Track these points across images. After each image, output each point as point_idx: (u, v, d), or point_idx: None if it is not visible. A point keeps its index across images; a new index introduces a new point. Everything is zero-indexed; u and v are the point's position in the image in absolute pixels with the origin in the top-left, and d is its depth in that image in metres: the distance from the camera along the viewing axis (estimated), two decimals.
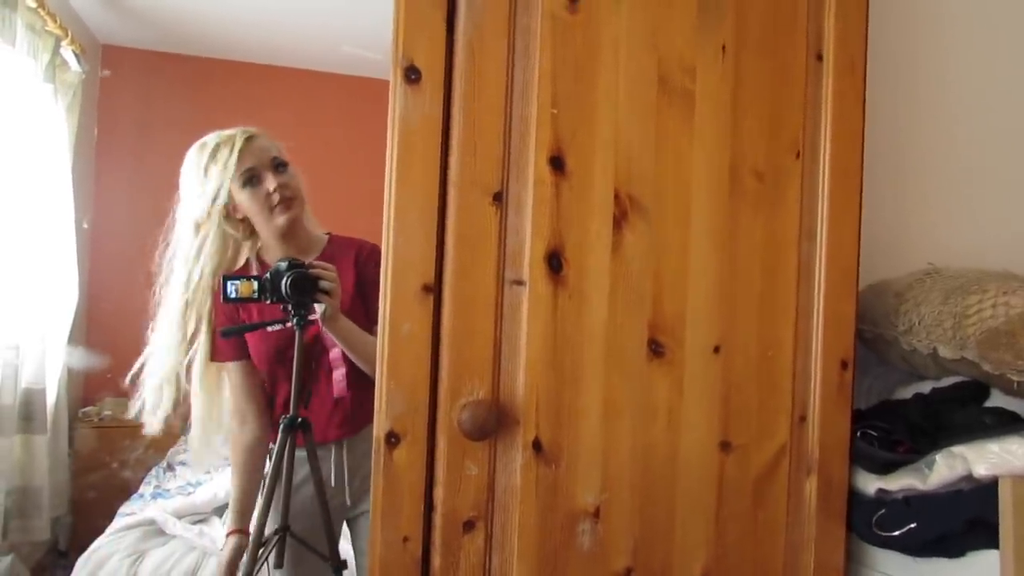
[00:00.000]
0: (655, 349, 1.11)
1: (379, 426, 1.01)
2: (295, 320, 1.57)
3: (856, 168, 1.19)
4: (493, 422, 1.02)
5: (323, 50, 3.93)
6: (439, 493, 1.03)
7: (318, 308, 1.58)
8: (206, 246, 1.67)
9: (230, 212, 1.66)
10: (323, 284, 1.56)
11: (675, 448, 1.12)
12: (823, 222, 1.18)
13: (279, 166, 1.68)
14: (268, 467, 1.73)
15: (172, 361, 1.69)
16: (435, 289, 1.03)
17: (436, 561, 1.03)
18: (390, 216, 1.01)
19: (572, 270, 1.07)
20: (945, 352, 1.24)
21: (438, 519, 1.03)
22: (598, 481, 1.09)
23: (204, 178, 1.65)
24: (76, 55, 3.19)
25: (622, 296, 1.09)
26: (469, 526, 1.04)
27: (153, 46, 3.99)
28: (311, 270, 1.57)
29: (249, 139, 1.67)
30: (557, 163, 1.06)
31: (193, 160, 1.68)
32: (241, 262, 1.74)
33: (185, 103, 4.06)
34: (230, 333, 1.66)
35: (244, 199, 1.66)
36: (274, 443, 1.66)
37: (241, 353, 1.71)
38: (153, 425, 1.73)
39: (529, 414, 1.06)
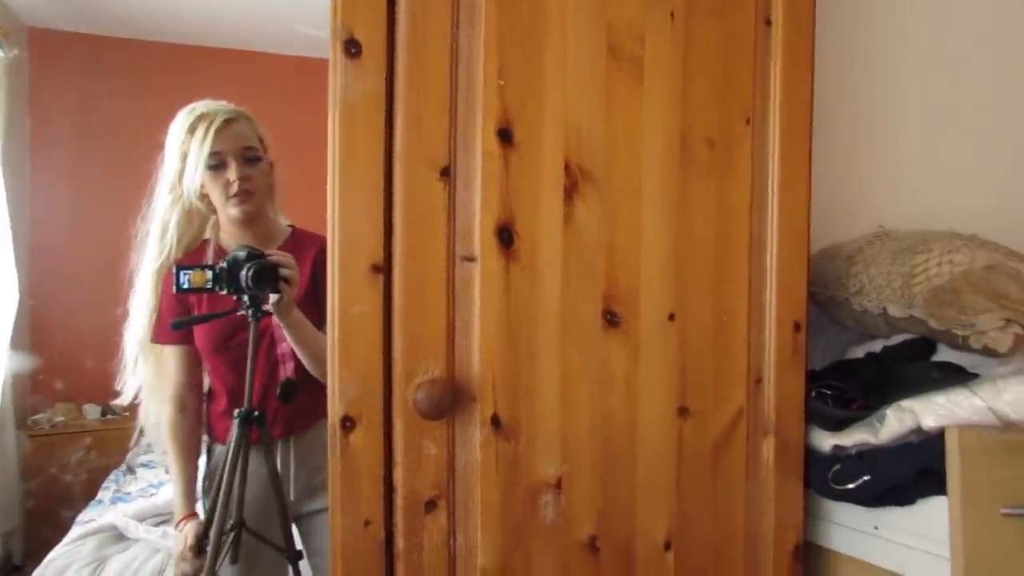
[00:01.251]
0: (610, 320, 1.11)
1: (333, 411, 0.99)
2: (250, 311, 1.54)
3: (806, 133, 1.20)
4: (449, 400, 1.01)
5: (275, 30, 3.82)
6: (398, 474, 1.02)
7: (272, 298, 1.55)
8: (174, 216, 1.67)
9: (199, 188, 1.65)
10: (283, 272, 1.54)
11: (634, 417, 1.13)
12: (774, 187, 1.19)
13: (249, 158, 1.66)
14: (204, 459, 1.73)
15: (145, 327, 1.69)
16: (385, 269, 1.01)
17: (399, 543, 1.03)
18: (335, 195, 0.99)
19: (524, 244, 1.06)
20: (894, 311, 1.26)
21: (399, 501, 1.02)
22: (558, 453, 1.09)
23: (179, 149, 1.64)
24: None
25: (575, 268, 1.09)
26: (431, 506, 1.03)
27: (88, 29, 3.83)
28: (270, 259, 1.54)
29: (228, 122, 1.64)
30: (505, 135, 1.04)
31: (177, 126, 1.67)
32: (212, 236, 1.73)
33: (126, 90, 3.93)
34: (181, 324, 1.62)
35: (207, 181, 1.64)
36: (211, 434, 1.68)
37: (184, 338, 1.67)
38: (128, 393, 1.73)
39: (486, 390, 1.05)
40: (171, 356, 1.70)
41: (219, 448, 1.71)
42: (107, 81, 3.92)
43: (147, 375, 1.72)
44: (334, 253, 0.99)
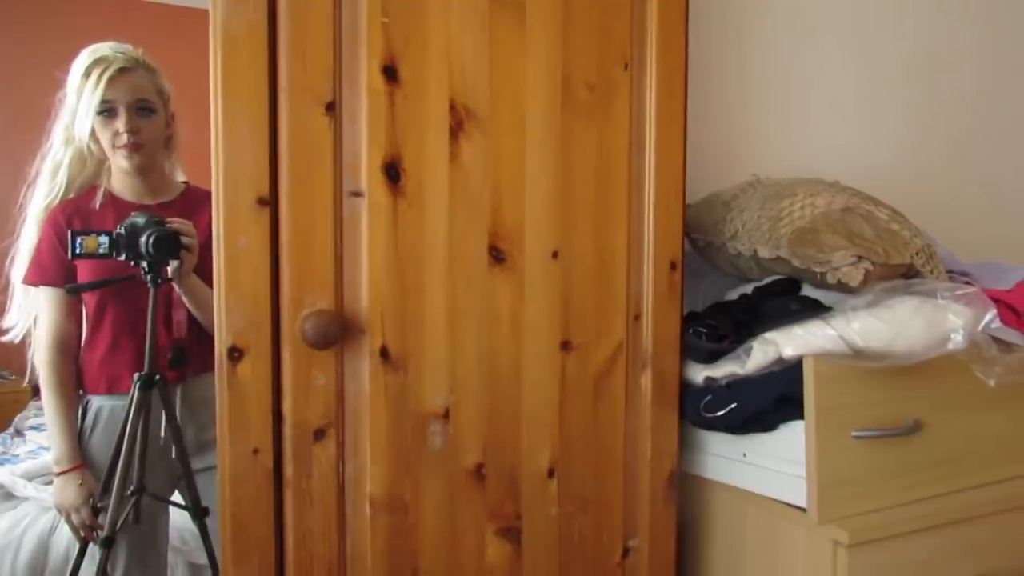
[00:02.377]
0: (496, 256, 1.15)
1: (220, 341, 1.01)
2: (149, 278, 1.53)
3: (681, 80, 1.26)
4: (337, 330, 1.04)
5: None
6: (287, 404, 1.04)
7: (172, 264, 1.54)
8: (67, 157, 1.65)
9: (91, 132, 1.62)
10: (184, 240, 1.54)
11: (519, 350, 1.18)
12: (652, 132, 1.25)
13: (142, 109, 1.64)
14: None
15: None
16: (271, 202, 1.02)
17: (288, 471, 1.05)
18: (217, 127, 0.99)
19: (411, 180, 1.09)
20: (763, 252, 1.36)
21: (288, 429, 1.04)
22: (446, 385, 1.13)
23: (76, 90, 1.62)
24: None
25: (462, 205, 1.12)
26: (320, 434, 1.06)
27: None
28: (171, 226, 1.52)
29: (124, 70, 1.62)
30: (390, 72, 1.06)
31: (76, 67, 1.63)
32: (104, 181, 1.70)
33: (6, 39, 3.70)
34: (77, 289, 1.60)
35: (97, 127, 1.62)
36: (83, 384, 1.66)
37: (61, 280, 1.64)
38: (18, 331, 1.71)
39: (374, 323, 1.08)
40: (47, 298, 1.65)
41: (95, 400, 1.68)
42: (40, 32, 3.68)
43: (32, 315, 1.68)
44: (218, 185, 0.99)
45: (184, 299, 1.62)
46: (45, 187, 1.66)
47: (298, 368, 1.04)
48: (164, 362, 1.64)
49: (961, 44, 1.99)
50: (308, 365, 1.05)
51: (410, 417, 1.11)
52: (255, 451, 1.03)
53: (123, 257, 1.51)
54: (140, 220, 1.53)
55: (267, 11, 1.00)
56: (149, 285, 1.53)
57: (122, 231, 1.51)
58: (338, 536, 1.08)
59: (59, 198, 1.66)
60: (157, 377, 1.57)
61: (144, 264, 1.53)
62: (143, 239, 1.50)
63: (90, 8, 3.85)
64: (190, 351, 1.67)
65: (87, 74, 1.60)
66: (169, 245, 1.51)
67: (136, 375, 1.56)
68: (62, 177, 1.66)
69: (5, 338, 1.71)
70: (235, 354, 1.01)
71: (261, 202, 1.01)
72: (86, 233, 1.51)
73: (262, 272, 1.02)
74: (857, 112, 1.84)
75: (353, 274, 1.07)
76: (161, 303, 1.63)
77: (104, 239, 1.51)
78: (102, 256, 1.52)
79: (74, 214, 1.64)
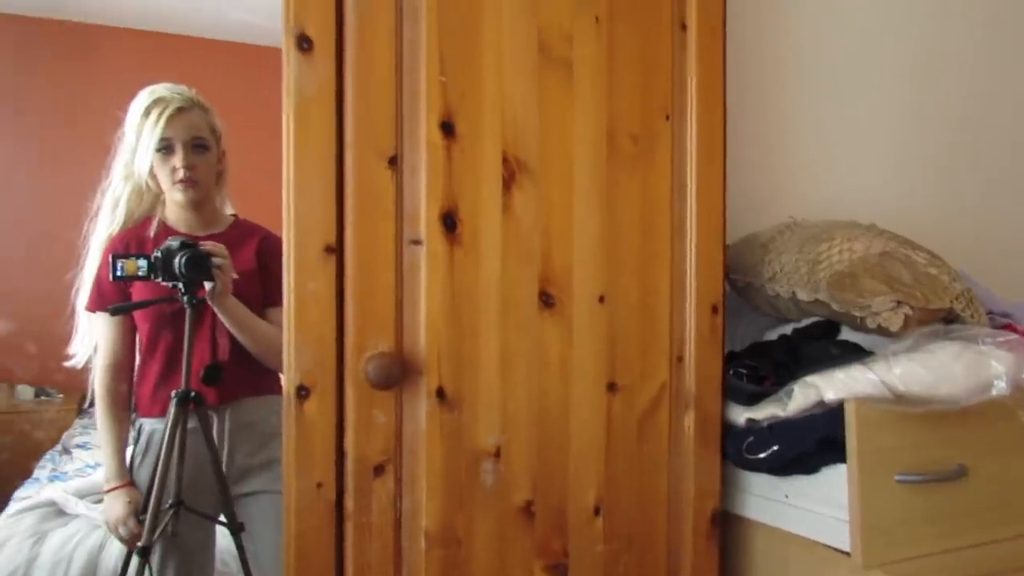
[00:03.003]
0: (546, 300, 1.20)
1: (289, 380, 1.07)
2: (185, 299, 1.60)
3: (720, 128, 1.31)
4: (398, 372, 1.09)
5: (210, 16, 3.82)
6: (349, 440, 1.10)
7: (207, 285, 1.61)
8: (126, 192, 1.75)
9: (150, 169, 1.72)
10: (216, 261, 1.61)
11: (567, 391, 1.23)
12: (693, 178, 1.30)
13: (198, 147, 1.73)
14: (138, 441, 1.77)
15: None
16: (337, 250, 1.09)
17: (349, 504, 1.10)
18: (290, 181, 1.06)
19: (466, 229, 1.15)
20: (802, 295, 1.39)
21: (350, 465, 1.10)
22: (498, 424, 1.18)
23: (135, 130, 1.72)
24: None
25: (513, 252, 1.18)
26: (379, 470, 1.11)
27: (24, 11, 3.77)
28: (203, 248, 1.59)
29: (181, 110, 1.72)
30: (448, 128, 1.13)
31: (136, 107, 1.74)
32: (159, 213, 1.79)
33: (56, 74, 3.87)
34: (119, 310, 1.68)
35: (155, 163, 1.72)
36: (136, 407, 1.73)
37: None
38: (81, 357, 1.79)
39: (431, 364, 1.13)
40: (104, 324, 1.74)
41: (147, 424, 1.75)
42: (43, 64, 3.85)
43: (94, 341, 1.77)
44: (290, 235, 1.06)
45: (222, 319, 1.68)
46: (106, 219, 1.76)
47: (360, 407, 1.10)
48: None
49: (998, 84, 2.02)
50: (370, 404, 1.10)
51: (464, 455, 1.16)
52: (319, 485, 1.08)
53: (160, 279, 1.60)
54: (175, 243, 1.61)
55: (335, 72, 1.07)
56: (185, 306, 1.60)
57: (159, 254, 1.60)
58: (394, 568, 1.13)
59: (119, 230, 1.76)
60: (193, 395, 1.63)
61: (180, 285, 1.60)
62: (177, 260, 1.58)
63: (137, 46, 4.01)
64: (232, 372, 1.73)
65: (147, 113, 1.71)
66: (200, 265, 1.59)
67: (173, 392, 1.63)
68: (121, 210, 1.76)
69: (69, 363, 1.80)
70: (302, 392, 1.07)
71: (328, 250, 1.08)
72: (126, 256, 1.60)
73: (328, 315, 1.08)
74: (892, 154, 1.87)
75: (412, 318, 1.13)
76: (207, 325, 1.71)
77: (143, 262, 1.59)
78: (141, 278, 1.61)
79: (131, 243, 1.74)
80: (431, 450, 1.14)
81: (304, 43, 1.06)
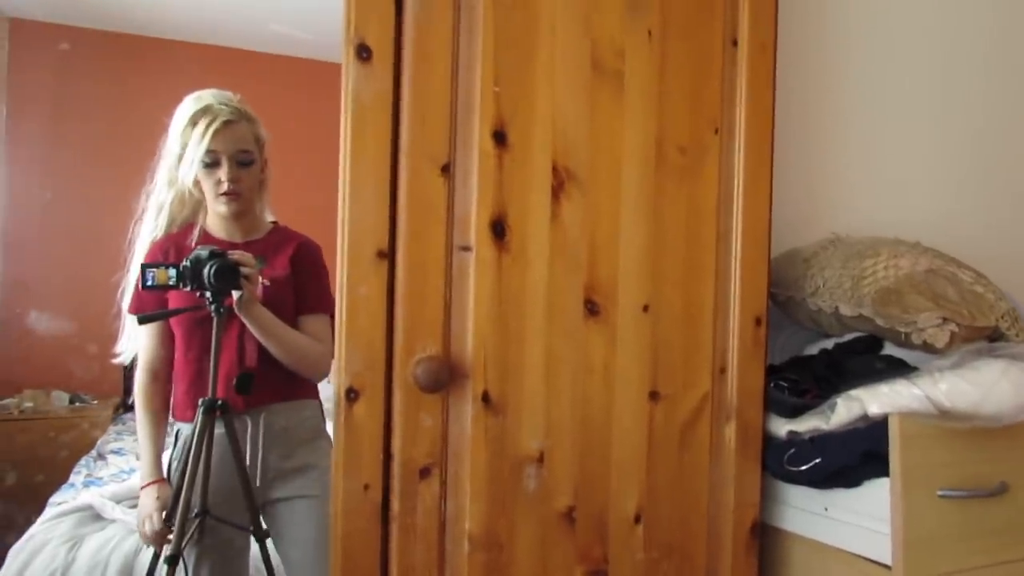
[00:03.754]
0: (591, 308, 1.22)
1: (339, 383, 1.08)
2: (214, 307, 1.63)
3: (767, 143, 1.32)
4: (446, 376, 1.11)
5: (251, 28, 3.89)
6: (396, 443, 1.11)
7: (235, 294, 1.64)
8: (170, 198, 1.77)
9: (194, 179, 1.74)
10: (244, 271, 1.63)
11: (610, 398, 1.23)
12: (739, 192, 1.31)
13: (242, 161, 1.75)
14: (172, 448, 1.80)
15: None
16: (389, 255, 1.11)
17: (395, 506, 1.12)
18: (345, 186, 1.08)
19: (515, 236, 1.16)
20: (845, 310, 1.39)
21: (396, 467, 1.11)
22: (541, 429, 1.19)
23: (180, 138, 1.73)
24: None
25: (560, 260, 1.19)
26: (425, 473, 1.13)
27: (68, 20, 3.86)
28: (231, 257, 1.62)
29: (227, 123, 1.73)
30: (500, 137, 1.15)
31: (182, 113, 1.75)
32: (200, 220, 1.82)
33: (104, 82, 3.96)
34: (147, 319, 1.71)
35: (200, 175, 1.73)
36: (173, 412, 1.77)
37: (159, 309, 1.75)
38: (127, 356, 1.83)
39: (478, 369, 1.15)
40: (143, 328, 1.77)
41: (183, 428, 1.78)
42: (86, 73, 3.95)
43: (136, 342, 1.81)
44: (343, 239, 1.08)
45: (250, 328, 1.69)
46: (150, 224, 1.79)
47: (408, 410, 1.12)
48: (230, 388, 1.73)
49: None
50: (417, 407, 1.12)
51: (507, 459, 1.17)
52: (366, 487, 1.10)
53: (189, 288, 1.62)
54: (203, 253, 1.63)
55: (392, 81, 1.10)
56: (213, 314, 1.63)
57: (187, 263, 1.62)
58: (438, 570, 1.14)
59: (162, 234, 1.79)
60: (220, 402, 1.65)
61: (208, 294, 1.63)
62: (205, 270, 1.60)
63: (181, 56, 4.09)
64: (263, 379, 1.74)
65: (193, 123, 1.72)
66: (229, 275, 1.61)
67: (200, 400, 1.65)
68: (164, 216, 1.79)
69: (116, 360, 1.85)
70: (351, 395, 1.09)
71: (380, 255, 1.10)
72: (156, 266, 1.63)
73: (379, 319, 1.10)
74: (937, 172, 1.87)
75: (460, 323, 1.15)
76: (235, 333, 1.73)
77: (172, 271, 1.62)
78: (171, 287, 1.64)
79: (170, 249, 1.77)
80: (475, 454, 1.15)
81: (364, 52, 1.08)
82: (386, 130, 1.10)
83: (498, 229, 1.15)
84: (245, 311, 1.66)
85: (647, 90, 1.24)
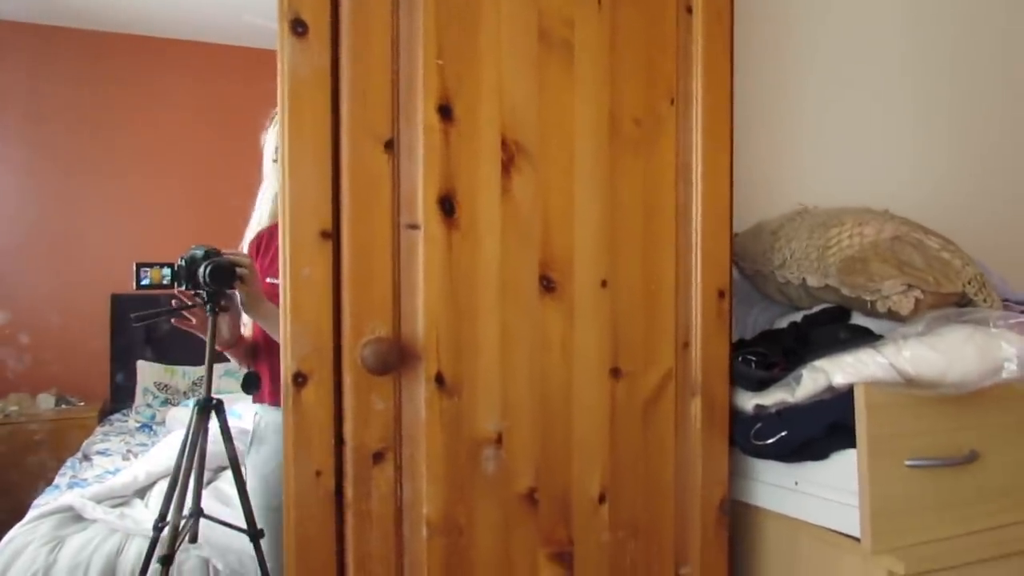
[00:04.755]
0: (546, 285, 1.19)
1: (286, 367, 1.06)
2: (208, 307, 1.61)
3: (726, 112, 1.29)
4: (395, 357, 1.08)
5: (223, 21, 3.85)
6: (348, 427, 1.09)
7: (238, 295, 1.63)
8: (269, 194, 1.83)
9: None
10: (239, 272, 1.62)
11: (569, 376, 1.21)
12: (698, 163, 1.28)
13: None
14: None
15: None
16: (333, 235, 1.08)
17: (349, 492, 1.09)
18: (285, 165, 1.05)
19: (464, 213, 1.14)
20: (812, 281, 1.37)
21: (348, 452, 1.09)
22: (499, 410, 1.17)
23: (267, 133, 1.80)
24: None
25: (513, 236, 1.17)
26: (379, 457, 1.10)
27: (39, 19, 3.82)
28: (226, 257, 1.60)
29: None
30: (445, 111, 1.12)
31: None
32: None
33: (78, 80, 3.92)
34: (142, 319, 1.69)
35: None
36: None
37: None
38: (247, 330, 1.87)
39: (430, 350, 1.12)
40: None
41: (259, 410, 1.80)
42: (59, 72, 3.91)
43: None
44: (285, 220, 1.05)
45: (261, 326, 1.70)
46: (254, 220, 1.86)
47: (358, 393, 1.09)
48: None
49: (1014, 71, 1.98)
50: (368, 390, 1.09)
51: (464, 441, 1.15)
52: (317, 473, 1.07)
53: (184, 287, 1.60)
54: (199, 252, 1.62)
55: (330, 56, 1.07)
56: (208, 314, 1.61)
57: (182, 263, 1.61)
58: (396, 557, 1.11)
59: (267, 224, 1.83)
60: (214, 401, 1.64)
61: (203, 293, 1.61)
62: (201, 270, 1.59)
63: (151, 51, 4.04)
64: (271, 377, 1.75)
65: (274, 118, 1.74)
66: (223, 275, 1.59)
67: (193, 400, 1.63)
68: (264, 209, 1.85)
69: (245, 332, 1.84)
70: (299, 380, 1.06)
71: (324, 235, 1.07)
72: (150, 265, 1.61)
73: (325, 301, 1.07)
74: (904, 141, 1.84)
75: (410, 303, 1.12)
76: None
77: (167, 271, 1.60)
78: (165, 287, 1.62)
79: (260, 240, 1.81)
80: (431, 437, 1.12)
81: (299, 27, 1.05)
82: (325, 107, 1.07)
83: (447, 206, 1.13)
84: (251, 310, 1.66)
85: (598, 60, 1.21)
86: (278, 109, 1.05)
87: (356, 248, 1.09)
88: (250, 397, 1.78)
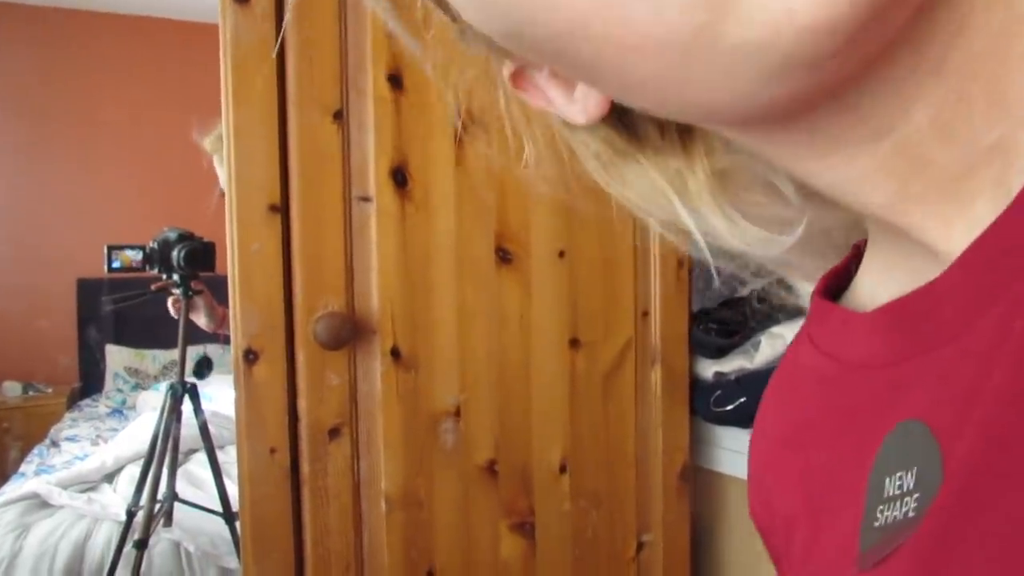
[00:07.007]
0: (503, 257, 1.18)
1: (236, 344, 1.04)
2: (181, 290, 1.58)
3: None
4: (348, 332, 1.07)
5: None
6: (302, 404, 1.08)
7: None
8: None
9: None
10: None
11: (528, 348, 1.20)
12: None
13: None
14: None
15: None
16: (282, 209, 1.06)
17: (305, 469, 1.08)
18: (230, 137, 1.03)
19: (417, 184, 1.12)
20: None
21: (303, 429, 1.08)
22: (457, 383, 1.16)
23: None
24: None
25: (468, 208, 1.15)
26: (335, 433, 1.09)
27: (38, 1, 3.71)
28: (203, 240, 1.58)
29: None
30: (396, 81, 1.10)
31: None
32: None
33: (35, 60, 3.81)
34: (117, 301, 1.67)
35: None
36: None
37: None
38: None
39: (385, 324, 1.11)
40: None
41: None
42: (15, 52, 3.80)
43: None
44: (232, 194, 1.03)
45: None
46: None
47: (312, 369, 1.08)
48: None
49: None
50: (322, 366, 1.08)
51: (422, 415, 1.14)
52: (272, 450, 1.06)
53: (155, 270, 1.57)
54: (172, 235, 1.58)
55: (275, 24, 1.04)
56: (180, 297, 1.58)
57: (155, 245, 1.57)
58: (354, 532, 1.11)
59: None
60: (188, 386, 1.62)
61: (176, 277, 1.58)
62: (175, 253, 1.55)
63: (114, 28, 3.95)
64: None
65: None
66: (200, 257, 1.56)
67: (167, 384, 1.61)
68: None
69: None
70: (250, 356, 1.05)
71: (273, 209, 1.05)
72: (120, 248, 1.57)
73: (275, 277, 1.05)
74: None
75: (364, 277, 1.10)
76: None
77: (137, 254, 1.57)
78: (135, 270, 1.58)
79: None
80: (388, 411, 1.12)
81: None
82: (271, 77, 1.04)
83: (399, 177, 1.11)
84: None
85: None
86: (222, 80, 1.03)
87: (307, 222, 1.07)
88: (229, 380, 1.77)
